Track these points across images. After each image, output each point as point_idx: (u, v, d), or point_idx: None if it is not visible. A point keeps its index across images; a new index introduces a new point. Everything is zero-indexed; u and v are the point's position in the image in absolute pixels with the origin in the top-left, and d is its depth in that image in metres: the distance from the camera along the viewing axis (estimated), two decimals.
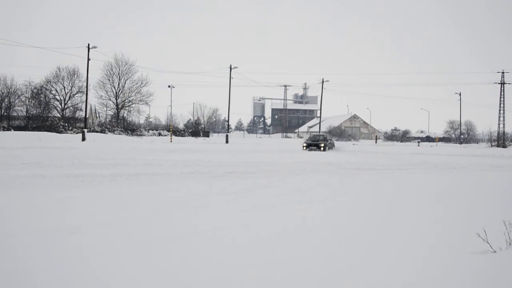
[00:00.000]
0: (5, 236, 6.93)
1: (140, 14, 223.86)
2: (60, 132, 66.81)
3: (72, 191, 12.09)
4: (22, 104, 75.01)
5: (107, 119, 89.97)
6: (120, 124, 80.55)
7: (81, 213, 9.04)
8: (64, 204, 9.95)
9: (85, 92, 59.47)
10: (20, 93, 74.90)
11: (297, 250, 6.66)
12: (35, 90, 75.80)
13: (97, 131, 69.67)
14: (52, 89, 78.52)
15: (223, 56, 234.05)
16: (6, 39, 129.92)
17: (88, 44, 54.53)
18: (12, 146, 30.93)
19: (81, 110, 77.60)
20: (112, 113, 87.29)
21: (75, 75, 79.10)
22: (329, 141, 44.96)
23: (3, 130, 64.08)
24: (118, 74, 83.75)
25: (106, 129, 73.12)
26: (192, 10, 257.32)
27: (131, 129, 77.76)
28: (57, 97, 79.07)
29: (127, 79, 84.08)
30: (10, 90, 73.85)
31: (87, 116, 61.19)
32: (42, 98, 76.06)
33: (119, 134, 70.84)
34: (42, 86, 76.84)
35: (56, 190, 12.20)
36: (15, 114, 74.16)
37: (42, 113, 74.64)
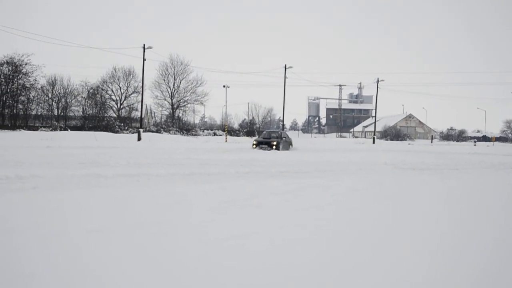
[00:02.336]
0: (60, 236, 7.13)
1: (196, 15, 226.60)
2: (116, 132, 68.31)
3: (128, 191, 12.42)
4: (79, 104, 77.13)
5: (163, 119, 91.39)
6: (175, 124, 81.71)
7: (138, 211, 9.28)
8: (120, 203, 10.27)
9: (141, 92, 60.67)
10: (76, 93, 77.06)
11: (352, 249, 6.73)
12: (91, 90, 77.82)
13: (152, 131, 70.95)
14: (108, 89, 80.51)
15: (278, 56, 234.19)
16: (62, 40, 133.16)
17: (144, 45, 55.64)
18: (69, 146, 31.93)
19: (136, 110, 79.22)
20: (168, 113, 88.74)
21: (131, 75, 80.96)
22: (284, 138, 39.08)
23: (60, 130, 66.04)
24: (174, 74, 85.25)
25: (162, 129, 74.27)
26: (248, 10, 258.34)
27: (186, 129, 78.82)
28: (113, 97, 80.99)
29: (182, 79, 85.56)
30: (67, 90, 76.06)
31: (143, 116, 62.27)
32: (98, 98, 78.05)
33: (174, 134, 71.88)
34: (98, 86, 78.88)
35: (112, 190, 12.44)
36: (71, 114, 76.24)
37: (98, 113, 76.56)
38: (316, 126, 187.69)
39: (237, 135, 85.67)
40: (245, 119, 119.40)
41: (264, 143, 36.18)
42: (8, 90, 68.75)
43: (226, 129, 71.19)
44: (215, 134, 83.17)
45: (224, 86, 76.62)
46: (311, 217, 9.01)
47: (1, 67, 68.13)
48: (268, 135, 39.78)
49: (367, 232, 7.91)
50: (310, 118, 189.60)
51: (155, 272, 5.66)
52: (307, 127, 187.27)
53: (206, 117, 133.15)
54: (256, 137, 42.32)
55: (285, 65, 66.55)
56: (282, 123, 70.67)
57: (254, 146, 36.43)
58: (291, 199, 11.38)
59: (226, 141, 59.53)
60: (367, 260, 6.28)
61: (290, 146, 39.68)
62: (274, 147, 35.50)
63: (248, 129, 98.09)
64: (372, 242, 7.22)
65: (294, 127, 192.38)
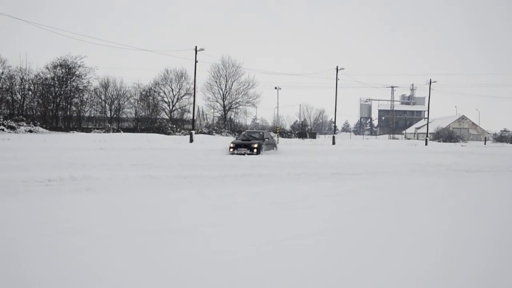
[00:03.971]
0: (117, 236, 7.27)
1: (247, 16, 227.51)
2: (168, 133, 69.20)
3: (181, 192, 12.51)
4: (131, 106, 78.45)
5: (214, 121, 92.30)
6: (227, 125, 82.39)
7: (192, 213, 9.34)
8: (173, 205, 10.38)
9: (193, 94, 61.28)
10: (129, 95, 78.41)
11: (409, 252, 6.70)
12: (143, 92, 79.07)
13: (204, 133, 71.67)
14: (161, 91, 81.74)
15: (330, 57, 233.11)
16: (115, 42, 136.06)
17: (196, 47, 56.23)
18: (122, 147, 32.50)
19: (188, 112, 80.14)
20: (219, 115, 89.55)
21: (183, 77, 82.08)
22: (267, 140, 33.83)
23: (113, 131, 67.29)
24: (225, 76, 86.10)
25: (214, 131, 74.97)
26: (299, 11, 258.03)
27: (238, 130, 79.35)
28: (165, 99, 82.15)
29: (234, 81, 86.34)
30: (120, 92, 77.45)
31: (195, 118, 62.98)
32: (150, 100, 79.25)
33: (226, 135, 72.49)
34: (151, 88, 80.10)
35: (165, 191, 12.62)
36: (124, 116, 77.58)
37: (150, 115, 77.75)
38: (368, 127, 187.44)
39: (289, 137, 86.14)
40: (296, 120, 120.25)
41: (243, 146, 31.00)
42: (62, 92, 70.48)
43: (277, 131, 71.30)
44: None
45: (275, 88, 77.00)
46: (362, 220, 8.94)
47: (55, 70, 69.97)
48: (247, 136, 34.35)
49: (421, 231, 7.81)
50: (362, 119, 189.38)
51: (218, 268, 5.71)
52: (359, 129, 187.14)
53: (257, 118, 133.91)
54: (234, 139, 35.86)
55: (337, 66, 66.31)
56: (334, 124, 70.42)
57: (231, 149, 30.86)
58: (342, 200, 11.37)
59: (278, 142, 58.89)
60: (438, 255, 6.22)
61: (274, 148, 35.20)
62: (254, 150, 30.48)
63: (300, 130, 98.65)
64: (437, 240, 7.11)
65: (346, 129, 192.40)
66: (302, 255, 6.48)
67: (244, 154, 29.65)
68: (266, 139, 33.65)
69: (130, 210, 9.52)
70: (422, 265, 6.14)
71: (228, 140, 58.37)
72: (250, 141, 31.76)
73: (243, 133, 36.23)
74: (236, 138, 34.47)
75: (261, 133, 35.24)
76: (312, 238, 7.41)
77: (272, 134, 34.18)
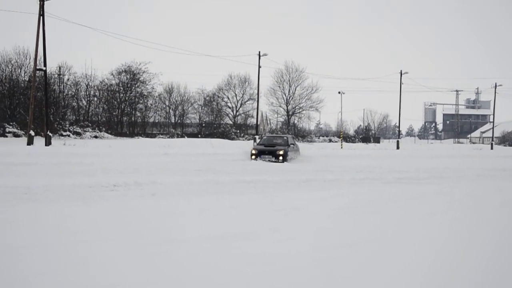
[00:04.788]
0: (178, 242, 7.40)
1: (309, 22, 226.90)
2: (232, 139, 69.71)
3: (245, 197, 12.63)
4: (195, 111, 79.38)
5: (278, 126, 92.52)
6: (291, 130, 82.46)
7: (257, 218, 9.42)
8: (237, 209, 10.43)
9: (256, 99, 61.84)
10: (193, 100, 79.35)
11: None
12: (207, 98, 79.89)
13: None
14: (224, 96, 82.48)
15: (394, 61, 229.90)
16: (179, 48, 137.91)
17: (259, 52, 56.74)
18: (186, 153, 32.93)
19: (252, 117, 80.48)
20: (283, 120, 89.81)
21: (246, 83, 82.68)
22: (292, 146, 30.42)
23: (177, 137, 68.27)
24: (289, 81, 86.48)
25: None
26: (360, 15, 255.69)
27: (301, 135, 79.69)
28: (229, 104, 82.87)
29: (298, 85, 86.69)
30: (184, 98, 78.52)
31: (258, 123, 63.34)
32: (214, 106, 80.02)
33: None
34: (214, 93, 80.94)
35: (229, 196, 12.80)
36: (188, 121, 78.56)
37: (214, 120, 78.47)
38: (432, 132, 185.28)
39: (353, 142, 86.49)
40: (360, 125, 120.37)
41: (267, 153, 27.91)
42: (127, 98, 72.00)
43: (341, 136, 71.02)
44: (330, 140, 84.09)
45: (339, 93, 77.03)
46: (429, 225, 8.81)
47: (120, 76, 71.54)
48: (270, 141, 30.96)
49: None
50: (426, 124, 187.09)
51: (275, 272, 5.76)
52: (423, 133, 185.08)
53: (321, 123, 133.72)
54: (256, 144, 32.34)
55: (401, 70, 65.65)
56: (398, 129, 69.64)
57: (254, 156, 27.89)
58: (408, 206, 11.28)
59: (341, 147, 59.66)
60: None
61: (298, 155, 31.38)
62: (280, 157, 27.39)
63: (363, 135, 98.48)
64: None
65: (410, 133, 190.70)
66: (369, 260, 6.49)
67: (268, 161, 26.80)
68: (292, 145, 30.33)
69: (195, 215, 9.65)
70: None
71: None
72: (274, 147, 28.54)
73: (264, 137, 33.17)
74: (258, 143, 31.31)
75: (285, 137, 31.82)
76: (376, 244, 7.42)
77: (290, 138, 31.76)
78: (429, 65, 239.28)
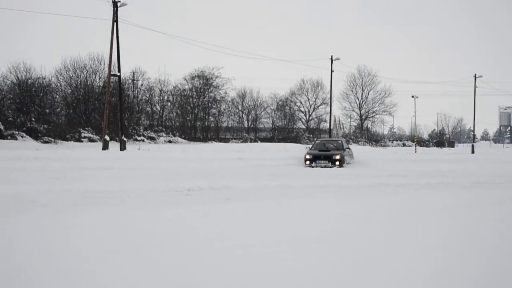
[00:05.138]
0: (251, 247, 7.34)
1: (382, 24, 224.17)
2: (305, 143, 69.60)
3: (318, 201, 12.63)
4: (268, 116, 79.66)
5: (351, 130, 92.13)
6: (364, 134, 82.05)
7: (330, 221, 9.39)
8: (313, 213, 10.37)
9: (329, 104, 61.77)
10: (266, 105, 79.66)
11: None
12: (280, 102, 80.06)
13: None
14: (297, 100, 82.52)
15: (469, 64, 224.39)
16: (253, 53, 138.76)
17: (331, 56, 56.71)
18: (259, 157, 33.03)
19: (325, 121, 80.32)
20: (356, 124, 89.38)
21: (319, 87, 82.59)
22: (347, 150, 29.39)
23: (250, 141, 68.67)
24: (361, 85, 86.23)
25: (350, 140, 74.90)
26: (434, 17, 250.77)
27: (375, 139, 79.15)
28: (302, 108, 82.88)
29: (370, 89, 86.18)
30: (256, 102, 78.86)
31: (331, 127, 63.28)
32: (287, 110, 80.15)
33: (363, 145, 72.31)
34: (287, 98, 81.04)
35: (303, 201, 12.81)
36: (261, 126, 78.93)
37: (287, 124, 78.63)
38: (508, 136, 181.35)
39: (427, 146, 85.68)
40: (434, 129, 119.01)
41: (323, 158, 26.68)
42: (200, 103, 72.87)
43: (415, 140, 70.11)
44: (404, 144, 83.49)
45: (412, 97, 76.22)
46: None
47: (193, 81, 72.50)
48: (324, 146, 29.54)
49: None
50: (501, 127, 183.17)
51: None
52: (499, 137, 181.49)
53: (394, 127, 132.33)
54: (309, 149, 29.58)
55: (475, 74, 64.34)
56: (472, 133, 68.07)
57: (308, 162, 26.55)
58: (485, 210, 11.16)
59: (415, 151, 59.16)
60: None
61: (352, 159, 29.59)
62: (337, 162, 26.26)
63: (437, 139, 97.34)
64: None
65: (485, 137, 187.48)
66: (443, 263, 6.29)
67: (324, 167, 25.65)
68: (347, 149, 29.27)
69: (268, 218, 9.64)
70: None
71: (365, 149, 57.96)
72: (330, 152, 27.48)
73: (317, 141, 32.07)
74: (311, 148, 29.42)
75: (340, 141, 30.75)
76: (454, 248, 7.23)
77: (344, 142, 30.59)
78: (505, 67, 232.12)
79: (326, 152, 27.40)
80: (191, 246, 7.12)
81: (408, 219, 9.75)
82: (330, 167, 25.76)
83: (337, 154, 26.64)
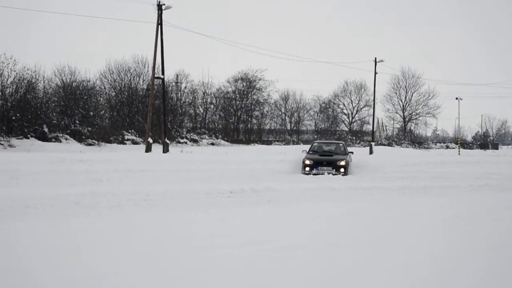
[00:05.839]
0: (301, 249, 7.37)
1: (426, 26, 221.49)
2: (348, 145, 69.49)
3: (360, 204, 12.62)
4: (311, 118, 79.80)
5: (394, 132, 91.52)
6: (407, 137, 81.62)
7: (371, 224, 9.41)
8: (353, 216, 10.35)
9: (372, 106, 61.52)
10: (308, 107, 79.72)
11: None
12: (323, 105, 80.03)
13: (384, 144, 71.68)
14: (340, 103, 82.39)
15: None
16: (295, 55, 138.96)
17: (375, 58, 56.53)
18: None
19: (368, 123, 79.93)
20: (399, 126, 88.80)
21: (362, 89, 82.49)
22: (350, 154, 24.47)
23: (293, 144, 68.72)
24: (405, 87, 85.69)
25: (393, 142, 74.83)
26: (480, 18, 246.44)
27: (418, 142, 78.82)
28: (345, 111, 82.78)
29: (414, 92, 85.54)
30: (299, 104, 78.98)
31: (374, 130, 63.08)
32: (330, 112, 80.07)
33: (406, 147, 72.01)
34: (330, 100, 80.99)
35: (345, 203, 12.85)
36: (304, 128, 79.07)
37: (330, 126, 78.58)
38: None
39: (470, 148, 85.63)
40: (478, 131, 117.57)
41: (325, 163, 22.45)
42: (243, 105, 73.17)
43: (458, 142, 69.33)
44: (447, 147, 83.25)
45: (456, 99, 75.40)
46: None
47: (236, 83, 72.83)
48: (324, 149, 25.40)
49: None
50: None
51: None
52: None
53: (438, 130, 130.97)
54: (308, 152, 24.28)
55: None
56: None
57: (308, 168, 22.16)
58: None
59: (459, 153, 58.70)
60: None
61: (350, 162, 24.19)
62: (341, 169, 22.13)
63: (481, 141, 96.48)
64: None
65: None
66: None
67: (324, 174, 21.60)
68: (350, 153, 24.62)
69: (308, 220, 9.64)
70: None
71: (408, 151, 57.67)
72: (333, 157, 23.19)
73: (315, 144, 26.59)
74: (309, 152, 24.41)
75: (341, 144, 26.25)
76: (493, 252, 7.18)
77: (343, 146, 25.65)
78: None
79: (329, 157, 23.21)
80: (241, 247, 7.21)
81: (448, 223, 9.70)
82: (334, 174, 21.71)
83: (342, 160, 22.55)
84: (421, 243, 7.71)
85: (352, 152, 24.98)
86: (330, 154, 23.95)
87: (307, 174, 21.80)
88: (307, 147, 27.41)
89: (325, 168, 22.08)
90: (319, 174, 21.68)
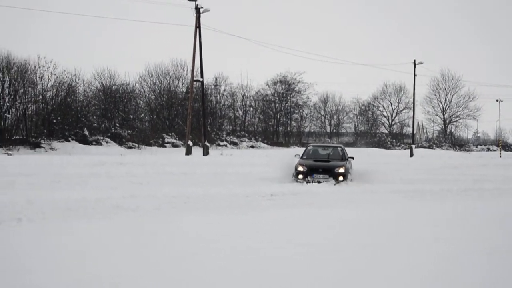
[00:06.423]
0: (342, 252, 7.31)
1: (466, 26, 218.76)
2: (388, 148, 69.28)
3: (403, 207, 12.60)
4: (350, 121, 79.50)
5: (434, 135, 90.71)
6: (447, 139, 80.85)
7: (413, 227, 9.36)
8: (397, 219, 10.28)
9: (412, 108, 61.25)
10: (348, 110, 79.43)
11: None
12: (362, 107, 79.68)
13: (424, 147, 71.37)
14: (379, 105, 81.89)
15: None
16: (334, 58, 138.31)
17: (414, 60, 56.40)
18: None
19: (408, 126, 79.37)
20: (439, 129, 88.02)
21: (402, 91, 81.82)
22: (350, 159, 21.00)
23: None
24: (445, 89, 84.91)
25: (434, 145, 74.40)
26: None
27: (458, 144, 77.93)
28: (384, 113, 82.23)
29: (454, 94, 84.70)
30: (339, 107, 78.73)
31: (414, 132, 62.76)
32: (369, 115, 79.70)
33: (446, 149, 71.40)
34: (370, 102, 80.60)
35: (390, 206, 12.78)
36: (343, 131, 78.82)
37: (369, 129, 78.22)
38: None
39: None
40: None
41: (322, 170, 19.36)
42: (282, 108, 73.13)
43: (500, 144, 68.39)
44: (488, 149, 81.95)
45: (497, 101, 74.65)
46: None
47: (275, 86, 72.79)
48: (320, 154, 22.00)
49: None
50: None
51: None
52: None
53: (479, 132, 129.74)
54: (302, 157, 20.77)
55: None
56: None
57: (302, 176, 19.05)
58: None
59: (500, 156, 58.14)
60: None
61: (351, 171, 20.96)
62: (340, 177, 18.92)
63: None
64: None
65: None
66: None
67: (321, 182, 18.55)
68: (350, 159, 21.10)
69: (351, 224, 9.57)
70: None
71: (449, 153, 57.20)
72: (330, 163, 20.11)
73: (310, 147, 22.94)
74: (302, 156, 21.10)
75: (339, 148, 22.51)
76: None
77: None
78: None
79: (326, 163, 20.17)
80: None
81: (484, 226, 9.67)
82: (334, 183, 18.64)
83: (341, 166, 19.40)
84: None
85: (352, 158, 21.39)
86: (327, 160, 20.83)
87: (300, 182, 18.59)
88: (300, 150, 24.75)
89: (321, 176, 19.03)
90: (314, 182, 18.50)
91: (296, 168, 19.49)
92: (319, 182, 18.50)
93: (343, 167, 19.21)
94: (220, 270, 6.16)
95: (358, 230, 9.09)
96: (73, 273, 6.05)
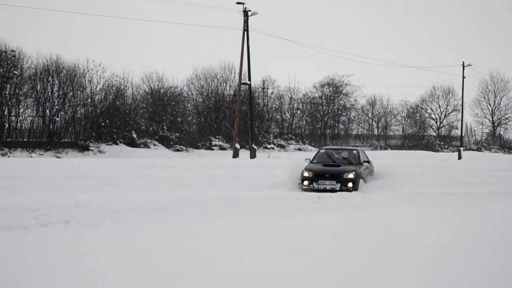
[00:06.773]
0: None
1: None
2: (436, 151, 68.52)
3: (448, 209, 12.60)
4: (398, 123, 78.75)
5: (483, 137, 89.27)
6: (496, 142, 79.49)
7: (458, 228, 9.44)
8: (448, 222, 10.17)
9: (461, 111, 60.61)
10: (396, 112, 78.72)
11: None
12: (410, 109, 78.89)
13: (473, 149, 70.27)
14: (428, 108, 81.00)
15: None
16: (382, 60, 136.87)
17: (463, 62, 55.67)
18: (390, 165, 32.42)
19: (456, 128, 78.43)
20: (488, 131, 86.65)
21: (450, 94, 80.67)
22: (366, 164, 19.35)
23: (380, 149, 68.00)
24: (494, 91, 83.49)
25: (482, 147, 73.29)
26: None
27: (508, 146, 76.36)
28: (433, 115, 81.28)
29: (503, 96, 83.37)
30: (386, 110, 78.08)
31: (463, 135, 62.04)
32: (417, 117, 78.92)
33: (495, 152, 70.12)
34: (418, 105, 79.76)
35: (433, 209, 12.71)
36: (391, 133, 78.14)
37: (417, 132, 77.47)
38: None
39: None
40: None
41: (329, 176, 17.45)
42: (329, 110, 72.85)
43: None
44: None
45: None
46: None
47: (323, 88, 72.50)
48: (331, 158, 19.70)
49: None
50: None
51: None
52: None
53: None
54: (312, 162, 18.83)
55: None
56: None
57: (306, 182, 17.22)
58: None
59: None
60: None
61: (372, 177, 19.68)
62: (349, 183, 17.17)
63: None
64: None
65: None
66: None
67: (327, 191, 16.72)
68: (365, 163, 19.35)
69: (397, 226, 9.54)
70: None
71: (497, 156, 56.13)
72: (339, 167, 18.19)
73: (321, 151, 20.91)
74: (312, 160, 19.18)
75: (355, 151, 20.58)
76: None
77: (361, 153, 20.51)
78: None
79: (334, 168, 18.25)
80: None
81: None
82: (339, 190, 16.73)
83: (350, 171, 17.51)
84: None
85: (368, 162, 19.86)
86: (337, 164, 18.84)
87: (305, 189, 17.04)
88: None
89: (327, 182, 17.17)
90: (320, 189, 16.90)
91: (302, 174, 17.64)
92: (325, 189, 16.88)
93: (353, 172, 17.46)
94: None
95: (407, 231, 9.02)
96: (140, 273, 6.35)
